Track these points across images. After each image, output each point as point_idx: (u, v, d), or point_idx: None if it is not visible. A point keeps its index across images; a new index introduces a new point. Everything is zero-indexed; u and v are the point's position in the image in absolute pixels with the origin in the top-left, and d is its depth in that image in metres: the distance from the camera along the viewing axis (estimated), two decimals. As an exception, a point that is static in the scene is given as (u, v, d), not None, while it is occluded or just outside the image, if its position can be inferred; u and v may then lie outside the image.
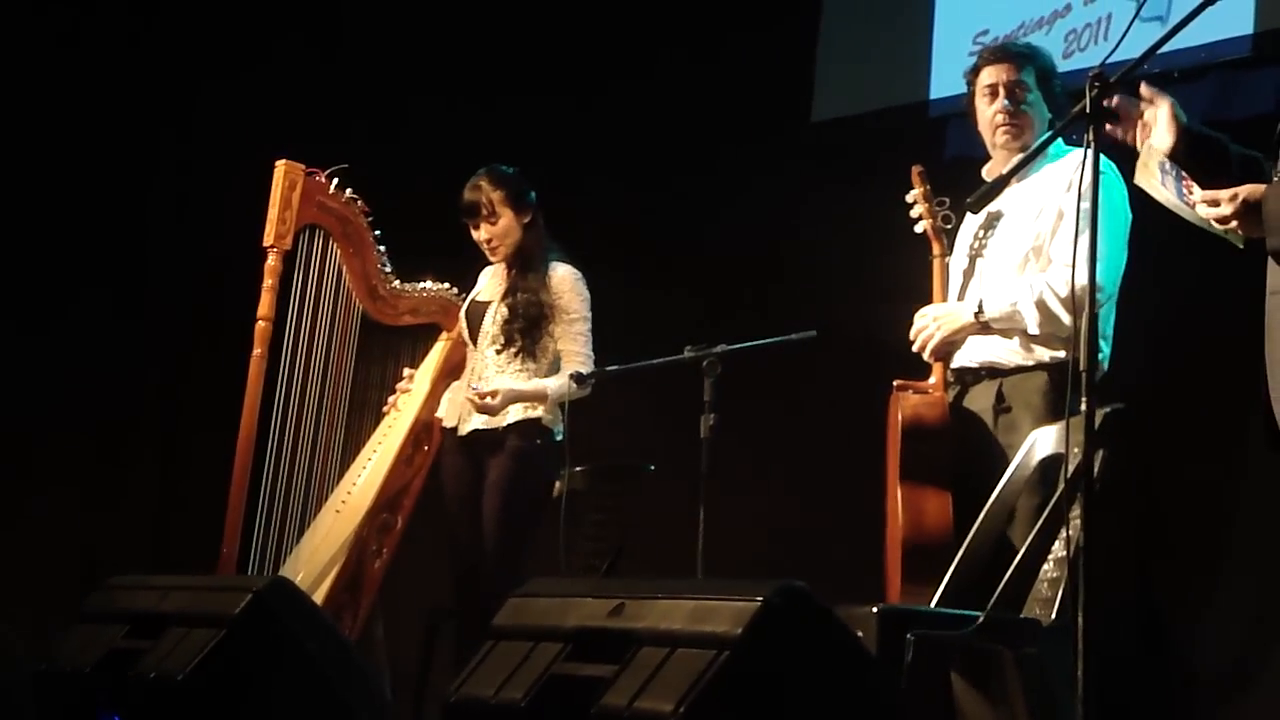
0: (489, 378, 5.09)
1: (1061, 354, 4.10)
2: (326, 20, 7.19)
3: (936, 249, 4.40)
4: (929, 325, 4.30)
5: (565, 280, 5.12)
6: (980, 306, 4.24)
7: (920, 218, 4.41)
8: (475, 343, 5.16)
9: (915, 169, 4.44)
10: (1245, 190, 3.20)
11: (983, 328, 4.25)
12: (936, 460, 4.18)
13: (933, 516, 4.13)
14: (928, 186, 4.41)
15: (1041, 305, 4.15)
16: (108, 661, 3.73)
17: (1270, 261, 3.25)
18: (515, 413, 5.03)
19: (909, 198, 4.42)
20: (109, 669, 3.71)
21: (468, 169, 5.29)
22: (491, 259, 5.21)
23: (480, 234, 5.16)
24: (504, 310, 5.10)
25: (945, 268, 4.39)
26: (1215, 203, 3.25)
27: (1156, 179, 3.38)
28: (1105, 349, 4.17)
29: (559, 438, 5.04)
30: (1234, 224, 3.24)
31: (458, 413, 5.13)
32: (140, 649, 3.68)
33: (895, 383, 4.31)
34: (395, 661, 5.30)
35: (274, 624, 3.62)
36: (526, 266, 5.15)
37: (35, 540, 6.68)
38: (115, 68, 6.99)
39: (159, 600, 3.84)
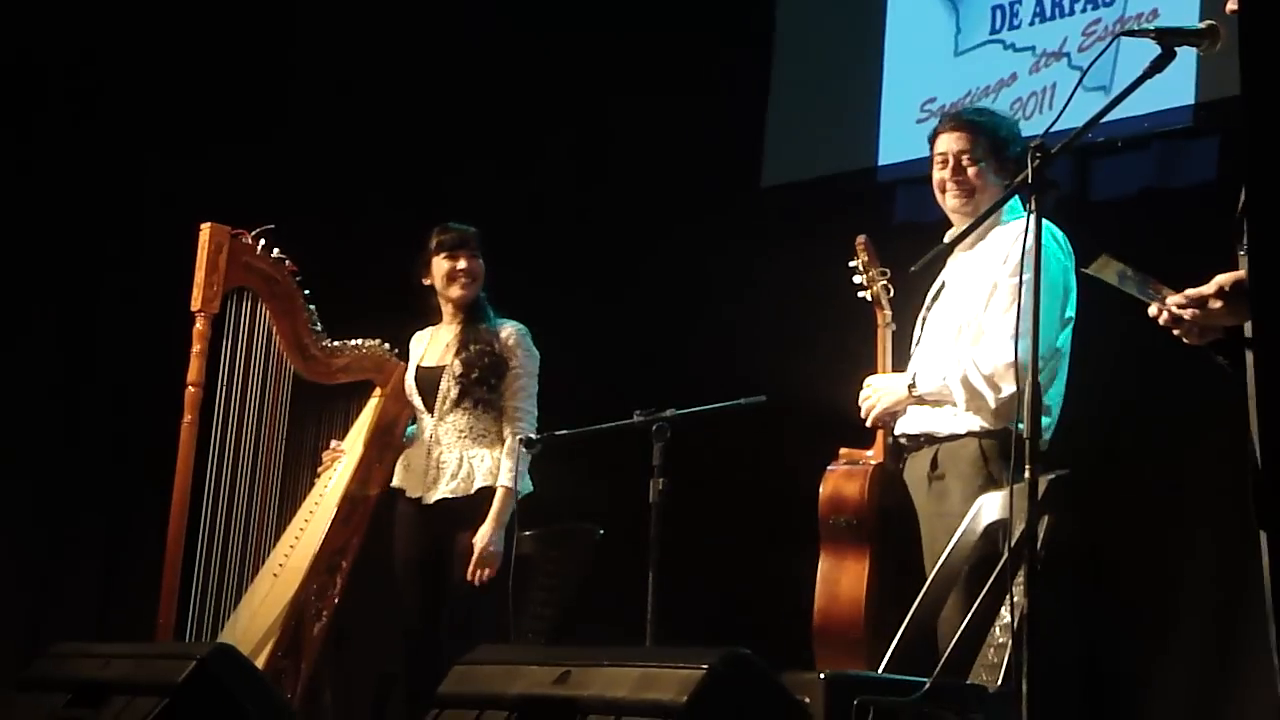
0: (449, 444, 5.09)
1: (990, 423, 4.15)
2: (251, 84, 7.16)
3: (881, 318, 4.45)
4: (871, 395, 4.36)
5: (514, 336, 5.17)
6: (914, 380, 4.29)
7: (864, 286, 4.46)
8: (432, 410, 5.15)
9: (858, 239, 4.48)
10: (1228, 280, 3.16)
11: (917, 400, 4.30)
12: (851, 533, 4.23)
13: (845, 590, 4.18)
14: (868, 256, 4.46)
15: (965, 382, 4.19)
16: (49, 731, 3.69)
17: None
18: (483, 478, 5.04)
19: (852, 265, 4.47)
20: (51, 738, 3.67)
21: (407, 233, 5.31)
22: (456, 293, 5.19)
23: (462, 264, 5.17)
24: (459, 366, 5.11)
25: (889, 336, 4.44)
26: (1201, 301, 3.19)
27: (1114, 282, 3.34)
28: (1045, 420, 4.19)
29: (523, 493, 5.06)
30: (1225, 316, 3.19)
31: (418, 481, 5.13)
32: (82, 718, 3.63)
33: (840, 451, 4.36)
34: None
35: (218, 691, 3.57)
36: (477, 320, 5.19)
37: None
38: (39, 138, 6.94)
39: (101, 668, 3.80)
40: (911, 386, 4.29)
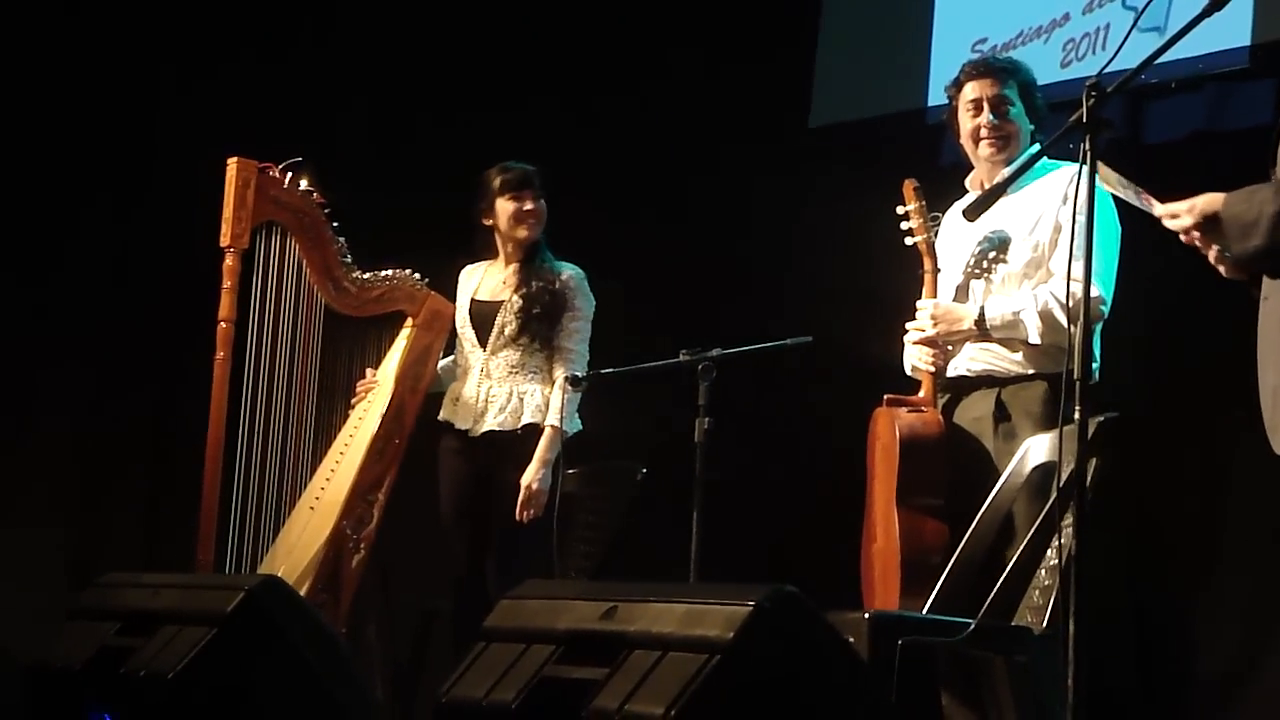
0: (500, 378, 5.12)
1: (1058, 362, 4.13)
2: (283, 18, 7.15)
3: (928, 264, 4.43)
4: (932, 321, 4.34)
5: (574, 279, 5.20)
6: (982, 314, 4.27)
7: (912, 232, 4.43)
8: (485, 344, 5.17)
9: (909, 183, 4.46)
10: (1203, 201, 3.23)
11: (982, 335, 4.28)
12: (933, 478, 4.21)
13: (930, 535, 4.16)
14: (922, 202, 4.43)
15: (1046, 314, 4.19)
16: (99, 659, 3.72)
17: None
18: (530, 415, 5.07)
19: (901, 211, 4.45)
20: (100, 667, 3.70)
21: (461, 172, 5.31)
22: (523, 234, 5.20)
23: (529, 206, 5.19)
24: (520, 301, 5.13)
25: (936, 282, 4.42)
26: (1176, 215, 3.26)
27: (1119, 191, 3.39)
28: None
29: (571, 433, 5.09)
30: (1195, 235, 3.26)
31: (467, 414, 5.15)
32: (132, 647, 3.66)
33: (886, 397, 4.35)
34: (391, 660, 5.30)
35: (266, 622, 3.61)
36: (537, 259, 5.21)
37: (25, 537, 6.66)
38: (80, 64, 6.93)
39: (151, 598, 3.84)
40: (979, 321, 4.27)
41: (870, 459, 4.40)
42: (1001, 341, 4.27)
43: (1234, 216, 3.14)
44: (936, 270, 4.43)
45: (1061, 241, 4.23)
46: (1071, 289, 3.93)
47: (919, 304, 4.40)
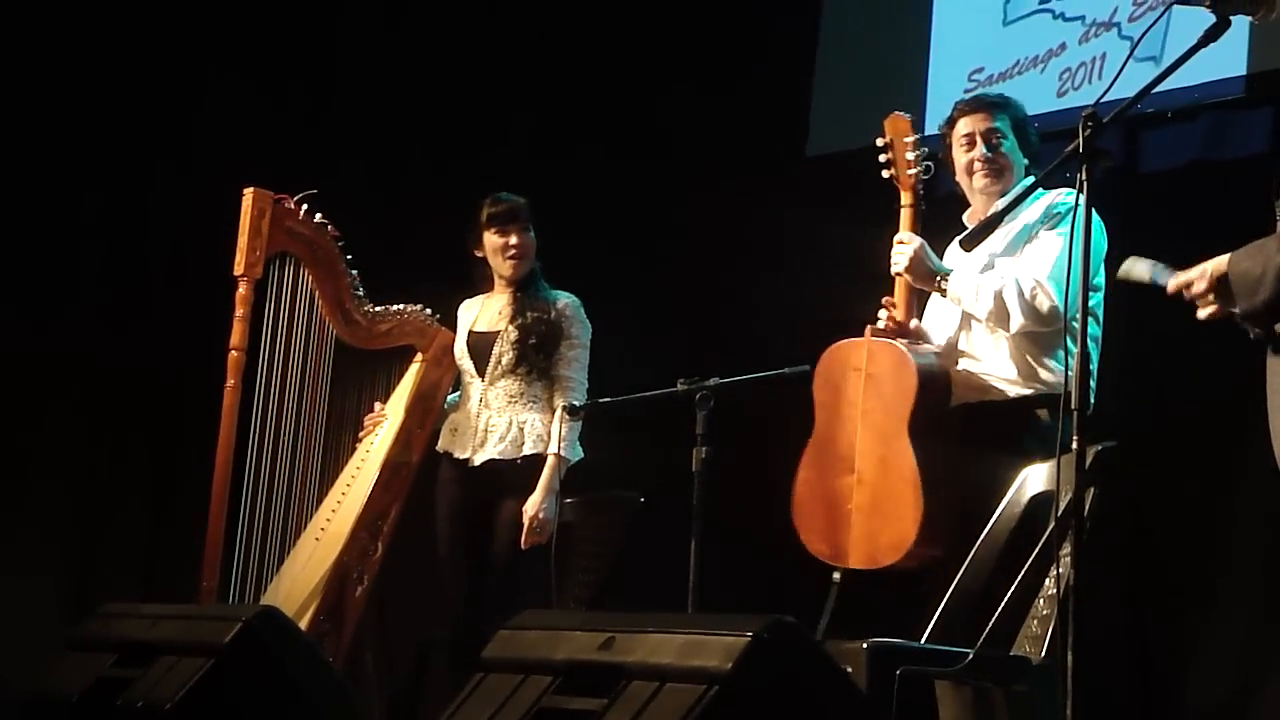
0: (499, 408, 5.12)
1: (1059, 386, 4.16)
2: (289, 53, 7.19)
3: (906, 197, 4.46)
4: (905, 253, 4.39)
5: (570, 307, 5.21)
6: (947, 275, 4.36)
7: (891, 166, 4.47)
8: (483, 375, 5.17)
9: (896, 115, 4.50)
10: (1212, 265, 3.19)
11: (940, 291, 4.37)
12: (942, 418, 4.29)
13: (947, 474, 4.19)
14: (909, 136, 4.48)
15: (999, 295, 4.26)
16: (96, 690, 3.72)
17: None
18: (531, 444, 5.08)
19: (880, 142, 4.48)
20: (97, 697, 3.69)
21: (452, 199, 5.33)
22: (508, 270, 5.21)
23: (513, 240, 5.19)
24: (515, 332, 5.13)
25: (914, 216, 4.44)
26: (1189, 284, 3.22)
27: (1146, 278, 3.33)
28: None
29: (573, 461, 5.10)
30: (1211, 302, 3.20)
31: (466, 443, 5.15)
32: (129, 678, 3.67)
33: (869, 328, 4.40)
34: (388, 691, 5.29)
35: (263, 653, 3.61)
36: (531, 289, 5.21)
37: (24, 565, 6.65)
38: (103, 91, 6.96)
39: (148, 629, 3.84)
40: (944, 279, 4.34)
41: (835, 387, 4.46)
42: (993, 366, 4.32)
43: (1242, 273, 3.11)
44: (916, 205, 4.46)
45: (1030, 248, 4.32)
46: (1037, 290, 4.15)
47: (898, 237, 4.43)
